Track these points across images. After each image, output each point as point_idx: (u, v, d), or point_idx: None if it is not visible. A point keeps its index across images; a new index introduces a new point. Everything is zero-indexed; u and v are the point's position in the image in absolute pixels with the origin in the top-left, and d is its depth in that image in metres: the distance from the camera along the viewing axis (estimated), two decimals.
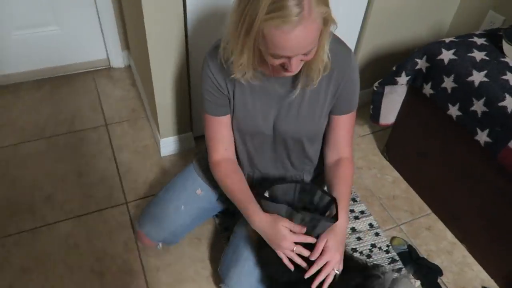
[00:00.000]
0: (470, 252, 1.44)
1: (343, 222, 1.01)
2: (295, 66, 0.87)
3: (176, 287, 1.28)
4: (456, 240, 1.47)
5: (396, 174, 1.68)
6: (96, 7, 1.86)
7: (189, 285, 1.29)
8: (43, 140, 1.70)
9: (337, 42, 1.00)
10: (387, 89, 1.53)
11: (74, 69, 2.04)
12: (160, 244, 1.27)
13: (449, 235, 1.48)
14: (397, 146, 1.69)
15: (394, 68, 1.47)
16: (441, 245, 1.45)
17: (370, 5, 1.60)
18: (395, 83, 1.47)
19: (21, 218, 1.42)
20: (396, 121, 1.62)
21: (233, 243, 1.20)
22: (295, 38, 0.80)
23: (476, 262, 1.41)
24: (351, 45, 1.73)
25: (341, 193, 1.05)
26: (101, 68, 2.09)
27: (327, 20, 0.84)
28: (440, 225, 1.51)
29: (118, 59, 2.07)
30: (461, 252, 1.44)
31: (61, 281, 1.26)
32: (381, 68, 1.78)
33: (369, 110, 1.64)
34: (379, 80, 1.53)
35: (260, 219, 1.01)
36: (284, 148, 1.14)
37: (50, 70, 1.99)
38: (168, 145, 1.65)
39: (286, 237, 0.97)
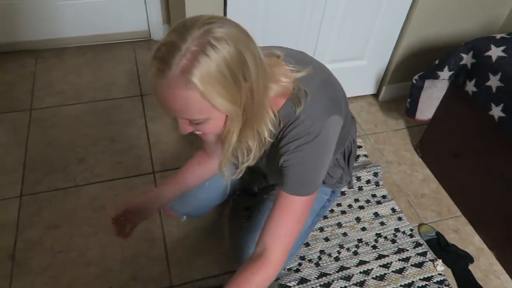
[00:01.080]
0: (498, 260, 1.38)
1: None
2: (181, 127, 0.76)
3: (193, 258, 1.31)
4: (484, 246, 1.41)
5: (427, 172, 1.63)
6: None
7: (206, 258, 1.31)
8: (81, 105, 1.76)
9: (313, 110, 0.82)
10: (427, 83, 1.47)
11: (115, 38, 2.08)
12: (185, 217, 1.30)
13: (477, 240, 1.43)
14: (431, 144, 1.63)
15: (436, 62, 1.41)
16: (468, 249, 1.40)
17: None
18: (436, 77, 1.41)
19: (54, 177, 1.48)
20: (433, 117, 1.56)
21: (249, 226, 1.21)
22: (158, 90, 0.70)
23: (503, 271, 1.36)
24: (393, 36, 1.67)
25: None
26: (141, 39, 2.12)
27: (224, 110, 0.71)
28: (469, 229, 1.46)
29: (159, 32, 2.10)
30: (488, 259, 1.38)
31: (86, 240, 1.32)
32: (422, 62, 1.70)
33: (405, 104, 1.59)
34: (420, 73, 1.47)
35: None
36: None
37: (93, 38, 2.05)
38: None
39: None
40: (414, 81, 1.49)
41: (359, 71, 1.78)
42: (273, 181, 1.16)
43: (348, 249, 1.36)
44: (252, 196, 1.39)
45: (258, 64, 0.72)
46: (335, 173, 1.21)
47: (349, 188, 1.52)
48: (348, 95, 1.88)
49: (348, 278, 1.29)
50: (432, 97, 1.51)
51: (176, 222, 1.38)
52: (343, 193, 1.51)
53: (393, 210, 1.48)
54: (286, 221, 0.86)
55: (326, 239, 1.38)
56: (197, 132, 0.78)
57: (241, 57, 0.68)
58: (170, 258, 1.30)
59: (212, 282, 1.26)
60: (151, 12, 2.02)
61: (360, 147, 1.70)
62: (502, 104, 1.23)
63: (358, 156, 1.66)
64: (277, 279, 1.26)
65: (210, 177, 1.14)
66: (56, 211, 1.38)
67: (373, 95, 1.93)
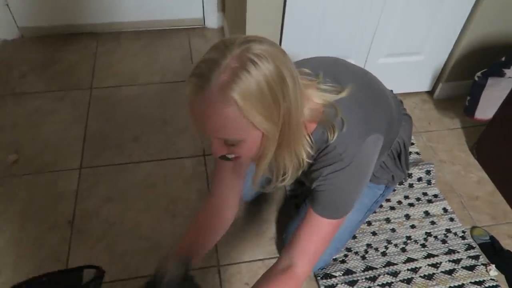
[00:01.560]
0: None
1: None
2: (213, 149, 0.73)
3: (240, 240, 1.33)
4: None
5: (483, 174, 1.57)
6: None
7: (253, 241, 1.33)
8: (137, 86, 1.83)
9: (350, 138, 0.80)
10: (490, 81, 1.41)
11: (171, 25, 2.13)
12: None
13: None
14: (489, 145, 1.56)
15: (503, 59, 1.35)
16: None
17: None
18: (501, 75, 1.36)
19: (111, 152, 1.55)
20: (493, 117, 1.50)
21: (300, 215, 1.22)
22: (195, 107, 0.67)
23: None
24: (455, 31, 1.61)
25: None
26: (196, 26, 2.16)
27: (262, 130, 0.68)
28: None
29: (213, 20, 2.13)
30: None
31: (138, 214, 1.37)
32: (483, 60, 1.63)
33: (462, 102, 1.53)
34: (483, 70, 1.42)
35: None
36: None
37: (150, 23, 2.11)
38: None
39: None
40: (477, 78, 1.43)
41: (415, 67, 1.74)
42: None
43: (396, 245, 1.33)
44: (301, 185, 1.39)
45: (296, 83, 0.70)
46: (382, 175, 1.19)
47: (399, 184, 1.49)
48: (400, 91, 1.86)
49: (395, 274, 1.27)
50: (494, 95, 1.45)
51: None
52: (393, 189, 1.48)
53: (445, 210, 1.43)
54: (313, 240, 0.86)
55: (374, 233, 1.36)
56: (230, 156, 0.74)
57: (281, 75, 0.66)
58: None
59: (258, 264, 1.27)
60: (207, 0, 2.06)
61: (412, 144, 1.66)
62: None
63: (410, 153, 1.62)
64: (322, 268, 1.26)
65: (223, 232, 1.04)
66: (112, 185, 1.45)
67: (427, 92, 1.88)
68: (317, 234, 0.86)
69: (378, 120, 0.89)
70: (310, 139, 0.80)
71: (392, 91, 1.13)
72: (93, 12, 2.01)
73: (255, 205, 1.42)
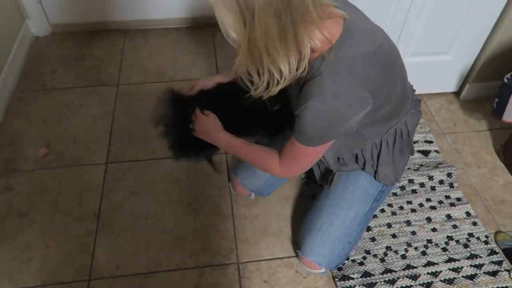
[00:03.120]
0: None
1: (220, 131, 1.13)
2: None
3: (259, 238, 1.35)
4: None
5: (510, 178, 1.53)
6: None
7: (272, 239, 1.35)
8: (162, 83, 1.86)
9: (330, 76, 0.86)
10: None
11: (197, 22, 2.16)
12: (253, 194, 1.35)
13: None
14: None
15: None
16: None
17: None
18: None
19: (137, 148, 1.59)
20: None
21: (309, 213, 1.24)
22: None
23: None
24: (485, 31, 1.56)
25: (239, 142, 1.11)
26: None
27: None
28: None
29: None
30: None
31: (162, 208, 1.41)
32: None
33: (490, 104, 1.49)
34: None
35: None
36: None
37: (175, 21, 2.14)
38: None
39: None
40: (506, 80, 1.39)
41: (442, 67, 1.70)
42: None
43: (416, 248, 1.32)
44: (319, 185, 1.39)
45: (273, 15, 0.75)
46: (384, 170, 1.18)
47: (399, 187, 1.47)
48: (426, 91, 1.84)
49: (414, 277, 1.26)
50: None
51: (245, 201, 1.43)
52: (414, 191, 1.47)
53: (468, 214, 1.41)
54: (292, 157, 1.01)
55: (394, 236, 1.35)
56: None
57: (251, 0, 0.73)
58: (237, 235, 1.35)
59: (276, 262, 1.29)
60: None
61: (431, 142, 1.63)
62: None
63: (429, 152, 1.60)
64: (340, 269, 1.27)
65: None
66: (137, 180, 1.49)
67: (453, 92, 1.84)
68: (292, 153, 1.00)
69: (376, 84, 0.92)
70: (299, 60, 0.84)
71: (410, 84, 1.14)
72: (122, 9, 2.06)
73: (275, 203, 1.43)
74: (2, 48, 1.77)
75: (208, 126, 1.14)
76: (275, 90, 0.88)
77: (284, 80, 0.84)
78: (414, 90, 1.21)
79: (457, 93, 1.83)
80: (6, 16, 1.82)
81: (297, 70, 0.84)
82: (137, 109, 1.74)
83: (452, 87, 1.81)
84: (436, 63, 1.68)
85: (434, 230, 1.37)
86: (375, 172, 1.18)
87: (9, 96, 1.75)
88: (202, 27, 2.16)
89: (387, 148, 1.14)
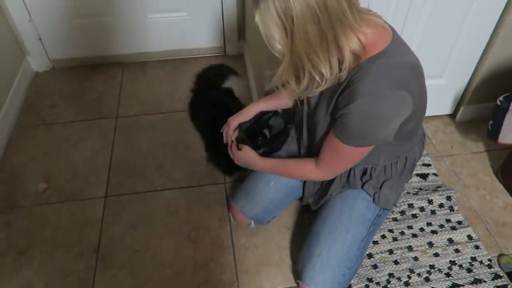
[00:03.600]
0: None
1: (251, 154, 1.23)
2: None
3: (260, 268, 1.34)
4: None
5: (509, 199, 1.53)
6: None
7: (273, 269, 1.33)
8: (161, 115, 1.89)
9: (377, 77, 0.91)
10: None
11: (194, 53, 2.20)
12: (253, 223, 1.35)
13: None
14: None
15: None
16: None
17: (507, 11, 1.46)
18: None
19: (136, 180, 1.60)
20: None
21: (307, 240, 1.24)
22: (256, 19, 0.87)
23: None
24: (476, 54, 1.60)
25: (273, 160, 1.22)
26: (217, 54, 2.23)
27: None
28: None
29: (233, 48, 2.19)
30: None
31: (161, 241, 1.41)
32: (506, 82, 1.62)
33: (486, 126, 1.51)
34: (505, 94, 1.40)
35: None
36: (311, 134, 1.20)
37: (173, 52, 2.19)
38: None
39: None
40: (499, 103, 1.41)
41: (436, 90, 1.72)
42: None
43: (419, 275, 1.31)
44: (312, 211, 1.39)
45: (312, 21, 0.82)
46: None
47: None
48: None
49: None
50: None
51: (245, 231, 1.42)
52: (414, 216, 1.46)
53: (470, 237, 1.40)
54: (333, 157, 1.06)
55: (396, 262, 1.34)
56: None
57: (289, 10, 0.80)
58: (238, 267, 1.34)
59: None
60: (227, 28, 2.12)
61: (429, 165, 1.63)
62: None
63: (427, 175, 1.60)
64: None
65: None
66: (136, 212, 1.49)
67: (449, 115, 1.86)
68: (335, 154, 1.04)
69: (416, 94, 0.97)
70: (340, 63, 0.89)
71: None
72: (120, 43, 2.11)
73: (276, 233, 1.43)
74: (3, 85, 1.80)
75: (249, 159, 1.24)
76: (315, 91, 0.94)
77: (325, 83, 0.90)
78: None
79: (452, 116, 1.85)
80: (7, 53, 1.87)
81: (340, 71, 0.90)
82: (135, 141, 1.75)
83: (447, 109, 1.83)
84: (430, 87, 1.66)
85: (436, 255, 1.36)
86: (376, 193, 1.20)
87: (9, 132, 1.77)
88: (200, 57, 2.21)
89: (396, 173, 1.19)
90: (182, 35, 2.13)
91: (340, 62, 0.89)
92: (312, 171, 1.13)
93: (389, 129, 0.95)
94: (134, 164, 1.66)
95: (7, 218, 1.47)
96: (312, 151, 1.19)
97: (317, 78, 0.90)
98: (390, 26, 1.00)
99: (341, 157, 1.04)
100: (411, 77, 0.96)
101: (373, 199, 1.21)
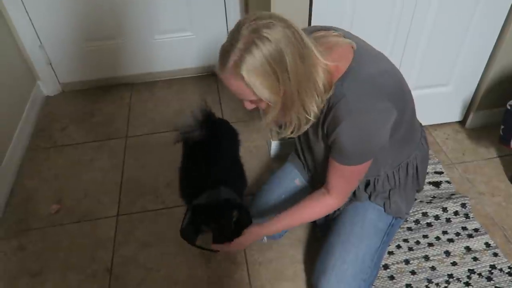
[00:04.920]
0: None
1: (257, 230, 1.14)
2: (244, 105, 0.96)
3: (274, 284, 1.32)
4: None
5: None
6: (226, 17, 2.03)
7: (287, 284, 1.31)
8: (169, 133, 1.90)
9: (357, 96, 0.93)
10: None
11: (201, 71, 2.23)
12: (265, 238, 1.33)
13: None
14: None
15: None
16: None
17: None
18: None
19: (146, 199, 1.60)
20: None
21: (321, 254, 1.22)
22: (221, 79, 0.90)
23: None
24: (483, 60, 1.59)
25: (283, 215, 1.13)
26: None
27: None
28: None
29: None
30: None
31: (174, 258, 1.40)
32: None
33: (497, 130, 1.49)
34: None
35: None
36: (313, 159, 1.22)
37: (180, 72, 2.22)
38: (278, 147, 1.72)
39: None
40: (509, 107, 1.40)
41: (444, 98, 1.72)
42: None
43: (437, 285, 1.28)
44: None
45: (299, 60, 0.84)
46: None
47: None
48: (431, 122, 1.85)
49: None
50: None
51: (258, 246, 1.41)
52: (429, 225, 1.44)
53: (487, 244, 1.37)
54: (339, 180, 1.05)
55: (413, 273, 1.31)
56: (249, 107, 0.96)
57: (281, 54, 0.82)
58: (252, 283, 1.32)
59: None
60: None
61: (441, 173, 1.61)
62: None
63: (440, 183, 1.58)
64: None
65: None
66: (148, 231, 1.49)
67: (458, 122, 1.84)
68: (340, 176, 1.04)
69: (396, 97, 0.99)
70: (321, 97, 0.93)
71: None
72: (128, 64, 2.14)
73: (289, 247, 1.41)
74: (15, 111, 1.83)
75: (256, 237, 1.17)
76: (304, 129, 0.98)
77: (313, 117, 0.94)
78: (421, 124, 1.25)
79: (462, 122, 1.83)
80: (18, 79, 1.91)
81: (322, 102, 0.93)
82: (145, 160, 1.76)
83: (456, 116, 1.81)
84: (437, 95, 1.70)
85: (454, 264, 1.33)
86: (385, 203, 1.20)
87: (22, 156, 1.80)
88: (205, 75, 2.23)
89: (400, 181, 1.19)
90: (188, 55, 2.16)
91: (321, 94, 0.92)
92: (326, 201, 1.10)
93: (382, 138, 0.97)
94: (145, 182, 1.66)
95: (21, 241, 1.47)
96: (318, 172, 1.20)
97: (306, 115, 0.93)
98: (352, 36, 1.02)
99: (347, 177, 1.05)
100: (385, 82, 0.97)
101: (384, 209, 1.21)
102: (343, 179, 1.06)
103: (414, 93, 1.64)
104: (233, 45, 0.83)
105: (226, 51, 0.85)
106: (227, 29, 2.07)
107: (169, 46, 2.10)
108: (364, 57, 0.97)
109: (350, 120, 0.92)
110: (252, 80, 0.83)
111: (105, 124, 1.96)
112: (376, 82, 0.95)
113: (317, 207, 1.12)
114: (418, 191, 1.35)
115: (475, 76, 1.66)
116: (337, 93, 0.93)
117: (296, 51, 0.83)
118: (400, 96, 1.03)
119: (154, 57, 2.14)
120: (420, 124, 1.27)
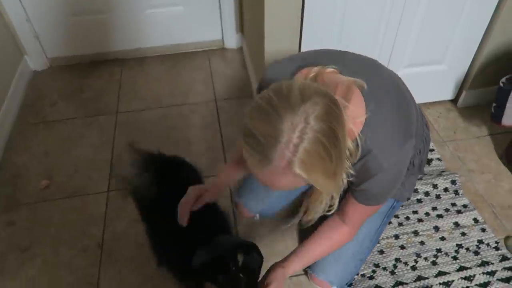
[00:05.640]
0: None
1: (282, 274, 1.02)
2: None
3: (266, 260, 1.32)
4: None
5: None
6: None
7: (279, 259, 1.32)
8: (161, 109, 1.88)
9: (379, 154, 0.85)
10: None
11: (192, 47, 2.19)
12: (258, 216, 1.33)
13: None
14: None
15: None
16: None
17: None
18: None
19: None
20: None
21: None
22: (260, 176, 0.74)
23: None
24: (476, 38, 1.58)
25: (307, 249, 1.05)
26: (216, 48, 2.22)
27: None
28: None
29: (232, 41, 2.18)
30: None
31: None
32: (509, 64, 1.60)
33: (489, 109, 1.50)
34: (508, 76, 1.39)
35: None
36: None
37: (172, 47, 2.18)
38: None
39: None
40: (501, 84, 1.40)
41: (437, 76, 1.71)
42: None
43: (426, 259, 1.30)
44: None
45: (345, 130, 0.73)
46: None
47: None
48: (423, 101, 1.85)
49: None
50: None
51: (250, 221, 1.41)
52: (419, 201, 1.45)
53: (476, 220, 1.39)
54: (359, 216, 1.02)
55: (402, 247, 1.33)
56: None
57: (335, 134, 0.70)
58: None
59: (286, 282, 1.26)
60: (225, 22, 2.10)
61: (432, 150, 1.62)
62: None
63: (431, 160, 1.59)
64: (350, 285, 1.24)
65: None
66: None
67: (451, 100, 1.84)
68: (362, 213, 1.01)
69: (412, 123, 0.94)
70: (349, 162, 0.83)
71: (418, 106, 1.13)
72: (118, 39, 2.10)
73: (281, 222, 1.41)
74: (1, 85, 1.79)
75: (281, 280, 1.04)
76: (340, 196, 0.89)
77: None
78: (422, 113, 1.19)
79: (454, 101, 1.84)
80: (4, 53, 1.86)
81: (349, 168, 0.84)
82: (136, 136, 1.74)
83: (449, 95, 1.81)
84: (431, 73, 1.70)
85: (442, 238, 1.35)
86: None
87: (9, 131, 1.77)
88: (197, 51, 2.20)
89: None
90: (180, 30, 2.12)
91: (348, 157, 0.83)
92: (346, 236, 1.05)
93: (404, 172, 0.95)
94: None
95: (11, 217, 1.46)
96: None
97: (344, 182, 0.84)
98: (345, 65, 0.90)
99: (370, 213, 1.04)
100: (400, 120, 0.89)
101: None
102: (366, 215, 1.04)
103: (408, 71, 1.66)
104: (277, 138, 0.67)
105: (269, 145, 0.68)
106: (220, 3, 2.03)
107: (159, 20, 2.06)
108: (374, 95, 0.85)
109: (382, 174, 0.87)
110: (312, 174, 0.70)
111: (95, 100, 1.93)
112: (395, 124, 0.88)
113: (335, 239, 1.05)
114: (421, 178, 1.34)
115: (469, 54, 1.65)
116: (362, 148, 0.83)
117: (342, 128, 0.72)
118: (412, 119, 0.95)
119: (144, 32, 2.09)
120: (422, 114, 1.19)
